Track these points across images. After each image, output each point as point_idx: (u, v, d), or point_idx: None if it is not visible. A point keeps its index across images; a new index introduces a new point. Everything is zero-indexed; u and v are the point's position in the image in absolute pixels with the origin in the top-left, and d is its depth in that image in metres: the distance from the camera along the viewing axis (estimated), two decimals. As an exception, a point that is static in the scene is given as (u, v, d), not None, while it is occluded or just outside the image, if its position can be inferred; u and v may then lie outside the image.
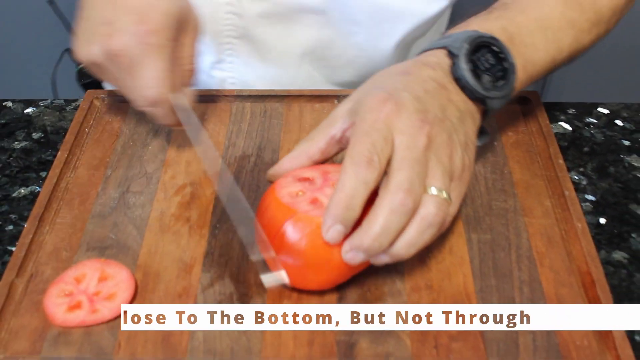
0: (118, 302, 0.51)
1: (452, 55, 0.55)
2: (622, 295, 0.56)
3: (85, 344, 0.49)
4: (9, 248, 0.60)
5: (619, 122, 0.72)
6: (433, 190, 0.47)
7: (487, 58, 0.55)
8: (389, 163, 0.47)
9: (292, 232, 0.48)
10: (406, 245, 0.47)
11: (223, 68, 0.79)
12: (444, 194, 0.48)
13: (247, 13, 0.75)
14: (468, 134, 0.52)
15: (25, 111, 0.74)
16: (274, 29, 0.76)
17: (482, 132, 0.58)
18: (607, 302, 0.51)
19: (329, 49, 0.78)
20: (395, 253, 0.47)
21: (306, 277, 0.50)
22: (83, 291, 0.52)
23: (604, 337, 0.49)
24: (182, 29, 0.58)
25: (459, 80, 0.54)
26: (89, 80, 1.24)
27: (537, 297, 0.52)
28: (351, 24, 0.75)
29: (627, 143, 0.70)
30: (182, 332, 0.50)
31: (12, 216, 0.63)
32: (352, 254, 0.47)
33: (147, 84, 0.56)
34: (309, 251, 0.48)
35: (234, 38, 0.77)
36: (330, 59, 0.79)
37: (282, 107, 0.70)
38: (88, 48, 0.57)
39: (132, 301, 0.52)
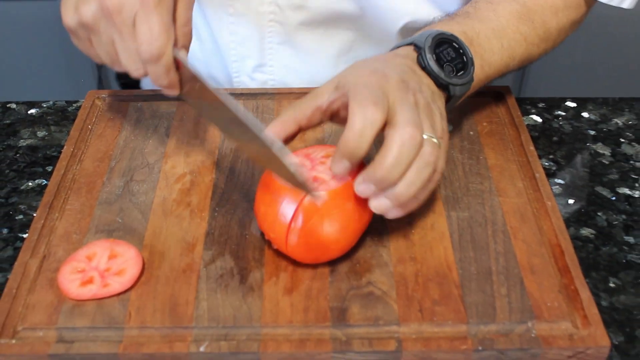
0: (127, 276, 0.55)
1: (418, 48, 0.61)
2: (590, 266, 0.61)
3: (98, 314, 0.53)
4: (20, 235, 0.64)
5: (585, 114, 0.78)
6: (425, 135, 0.53)
7: (448, 52, 0.61)
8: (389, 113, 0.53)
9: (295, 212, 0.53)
10: (407, 184, 0.52)
11: (264, 71, 0.85)
12: (435, 140, 0.53)
13: (289, 21, 0.80)
14: (440, 108, 0.58)
15: (29, 112, 0.79)
16: (313, 34, 0.82)
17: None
18: (575, 269, 0.56)
19: (362, 48, 0.84)
20: (398, 192, 0.52)
21: (308, 252, 0.55)
22: (94, 268, 0.56)
23: (573, 299, 0.54)
24: None
25: (424, 69, 0.60)
26: (126, 80, 1.25)
27: (512, 266, 0.57)
28: (383, 27, 0.81)
29: (592, 133, 0.75)
30: (187, 302, 0.54)
31: (22, 206, 0.67)
32: (364, 186, 0.52)
33: (149, 37, 0.55)
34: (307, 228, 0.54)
35: (276, 44, 0.83)
36: (364, 54, 0.84)
37: (273, 104, 0.74)
38: (80, 9, 0.57)
39: (140, 276, 0.56)
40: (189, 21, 0.59)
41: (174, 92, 0.60)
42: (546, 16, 0.69)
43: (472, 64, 0.62)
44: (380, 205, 0.53)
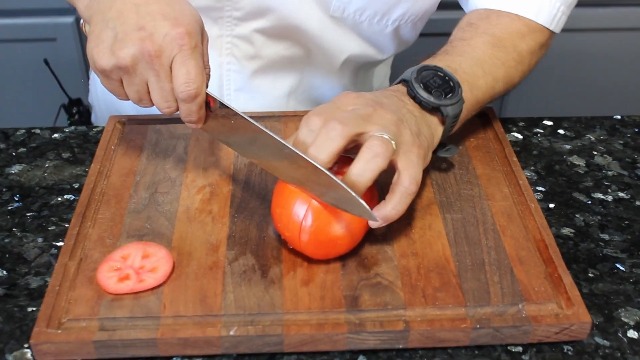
0: (160, 273, 0.61)
1: (405, 82, 0.69)
2: (570, 260, 0.68)
3: (136, 306, 0.59)
4: (54, 243, 0.70)
5: (561, 131, 0.86)
6: (378, 134, 0.60)
7: (435, 80, 0.69)
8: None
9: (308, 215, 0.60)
10: (357, 172, 0.59)
11: None
12: (386, 136, 0.60)
13: (245, 70, 0.89)
14: (421, 129, 0.65)
15: (52, 136, 0.85)
16: (266, 79, 0.91)
17: (449, 148, 0.72)
18: (558, 260, 0.64)
19: (310, 83, 0.93)
20: (353, 179, 0.59)
21: (319, 249, 0.62)
22: (130, 266, 0.62)
23: (557, 284, 0.62)
24: (202, 35, 0.65)
25: (414, 98, 0.68)
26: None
27: (502, 258, 0.64)
28: (328, 63, 0.89)
29: (568, 147, 0.84)
30: (215, 294, 0.60)
31: (53, 219, 0.73)
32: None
33: (187, 79, 0.61)
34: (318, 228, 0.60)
35: (234, 90, 0.91)
36: (311, 93, 0.93)
37: (280, 125, 0.82)
38: (118, 52, 0.61)
39: (171, 273, 0.62)
40: (208, 63, 0.66)
41: (198, 126, 0.66)
42: (515, 41, 0.78)
43: (459, 86, 0.69)
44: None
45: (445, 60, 0.74)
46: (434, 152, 0.70)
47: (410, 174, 0.60)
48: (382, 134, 0.60)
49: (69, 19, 1.62)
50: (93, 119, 1.11)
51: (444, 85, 0.69)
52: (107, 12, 0.63)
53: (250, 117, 0.64)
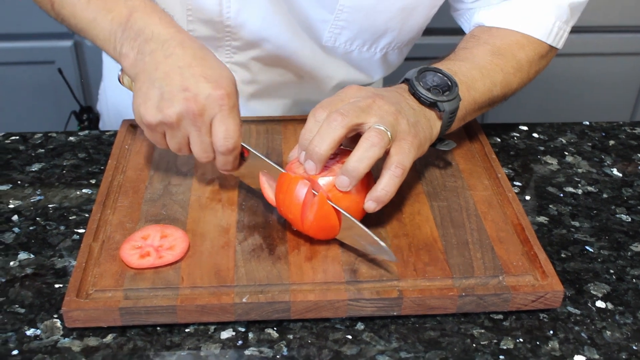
0: (178, 250, 0.68)
1: (406, 80, 0.77)
2: (545, 243, 0.76)
3: (157, 279, 0.66)
4: (75, 230, 0.76)
5: (535, 135, 0.95)
6: (373, 125, 0.67)
7: (434, 79, 0.77)
8: None
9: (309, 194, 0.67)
10: (356, 160, 0.66)
11: None
12: (382, 127, 0.67)
13: (242, 93, 0.94)
14: (419, 120, 0.72)
15: (68, 139, 0.92)
16: (262, 102, 0.99)
17: (447, 142, 0.79)
18: (533, 240, 0.71)
19: (302, 106, 1.01)
20: (350, 167, 0.66)
21: (320, 229, 0.69)
22: (150, 245, 0.69)
23: (533, 260, 0.69)
24: (237, 94, 0.72)
25: (414, 94, 0.76)
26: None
27: (484, 237, 0.72)
28: (319, 88, 0.98)
29: (542, 148, 0.92)
30: (228, 268, 0.67)
31: (74, 209, 0.79)
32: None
33: (226, 135, 0.69)
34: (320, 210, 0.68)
35: None
36: (305, 111, 1.01)
37: (280, 127, 0.90)
38: (165, 110, 0.68)
39: (187, 251, 0.69)
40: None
41: (232, 173, 0.74)
42: (514, 50, 0.86)
43: (456, 85, 0.77)
44: (340, 182, 0.67)
45: (446, 64, 0.81)
46: (433, 145, 0.77)
47: (398, 159, 0.68)
48: (379, 125, 0.68)
49: (68, 43, 1.69)
50: (101, 125, 1.18)
51: (442, 84, 0.76)
52: (154, 73, 0.69)
53: (263, 155, 0.73)
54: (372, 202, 0.68)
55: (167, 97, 0.68)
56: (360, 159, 0.67)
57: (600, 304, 0.69)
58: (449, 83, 0.77)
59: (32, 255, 0.72)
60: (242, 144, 0.72)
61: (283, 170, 0.71)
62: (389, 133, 0.68)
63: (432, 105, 0.75)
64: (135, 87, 0.71)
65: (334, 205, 0.68)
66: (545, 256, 0.69)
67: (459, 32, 0.98)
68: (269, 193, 0.73)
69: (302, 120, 0.90)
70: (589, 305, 0.68)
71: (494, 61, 0.84)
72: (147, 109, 0.69)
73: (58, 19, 0.78)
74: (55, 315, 0.66)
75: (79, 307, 0.63)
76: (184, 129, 0.70)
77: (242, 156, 0.74)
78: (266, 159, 0.73)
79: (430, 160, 0.83)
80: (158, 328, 0.65)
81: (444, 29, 1.03)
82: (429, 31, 0.96)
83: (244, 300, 0.63)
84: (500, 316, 0.67)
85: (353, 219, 0.67)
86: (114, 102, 1.10)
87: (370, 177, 0.71)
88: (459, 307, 0.66)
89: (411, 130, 0.70)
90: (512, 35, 0.87)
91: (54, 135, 0.93)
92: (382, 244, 0.66)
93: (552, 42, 0.88)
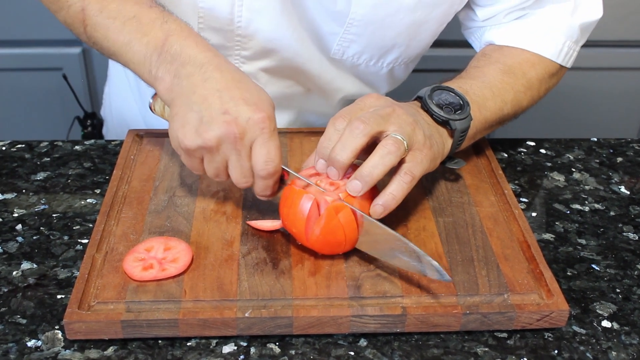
0: (181, 263, 0.68)
1: (418, 98, 0.77)
2: (551, 260, 0.75)
3: (159, 292, 0.65)
4: (79, 240, 0.76)
5: (542, 151, 0.94)
6: (391, 133, 0.68)
7: (446, 98, 0.77)
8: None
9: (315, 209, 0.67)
10: (371, 165, 0.66)
11: None
12: (400, 137, 0.67)
13: None
14: (433, 134, 0.73)
15: (74, 148, 0.92)
16: None
17: (457, 161, 0.80)
18: (539, 258, 0.70)
19: (307, 118, 1.01)
20: (364, 172, 0.66)
21: (325, 244, 0.68)
22: (153, 257, 0.68)
23: (538, 278, 0.68)
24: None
25: (427, 112, 0.76)
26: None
27: (489, 255, 0.71)
28: (325, 101, 0.98)
29: (549, 164, 0.91)
30: (231, 282, 0.66)
31: (78, 219, 0.79)
32: (321, 165, 0.70)
33: (267, 159, 0.67)
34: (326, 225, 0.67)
35: None
36: (310, 123, 1.01)
37: (286, 139, 0.89)
38: (204, 134, 0.67)
39: (191, 264, 0.68)
40: None
41: (271, 198, 0.73)
42: (525, 69, 0.86)
43: (468, 104, 0.77)
44: (353, 186, 0.67)
45: (458, 82, 0.82)
46: (443, 163, 0.78)
47: (409, 166, 0.69)
48: (397, 134, 0.68)
49: (76, 50, 1.70)
50: (104, 131, 1.18)
51: (454, 103, 0.77)
52: (191, 96, 0.68)
53: None
54: (379, 206, 0.68)
55: (206, 121, 0.67)
56: (376, 165, 0.67)
57: (606, 323, 0.68)
58: (461, 102, 0.77)
59: (35, 265, 0.72)
60: (283, 166, 0.71)
61: (323, 190, 0.70)
62: (405, 142, 0.68)
63: (444, 123, 0.76)
64: (172, 112, 0.70)
65: (352, 208, 0.67)
66: (551, 274, 0.68)
67: (464, 44, 0.98)
68: None
69: (308, 132, 0.91)
70: (595, 324, 0.68)
71: (505, 80, 0.84)
72: (186, 133, 0.68)
73: (90, 43, 0.76)
74: (56, 327, 0.65)
75: (80, 319, 0.63)
76: (223, 153, 0.68)
77: (282, 180, 0.72)
78: (307, 180, 0.70)
79: (437, 175, 0.83)
80: (160, 341, 0.64)
81: (449, 41, 1.03)
82: (434, 43, 0.96)
83: (246, 315, 0.63)
84: (505, 334, 0.66)
85: (375, 220, 0.67)
86: (118, 106, 1.10)
87: (376, 191, 0.71)
88: (463, 324, 0.65)
89: (427, 142, 0.71)
90: (522, 54, 0.87)
91: (60, 144, 0.93)
92: (434, 263, 0.64)
93: (562, 62, 0.88)
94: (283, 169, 0.71)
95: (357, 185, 0.67)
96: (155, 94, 0.77)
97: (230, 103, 0.67)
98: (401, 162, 0.69)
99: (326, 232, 0.67)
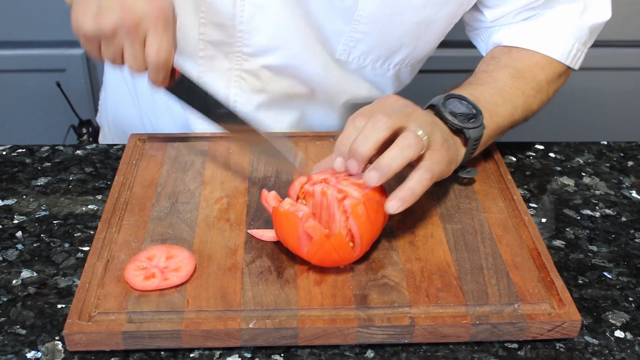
0: (184, 272, 0.66)
1: (431, 106, 0.76)
2: (562, 268, 0.73)
3: (161, 302, 0.64)
4: (80, 248, 0.74)
5: (551, 154, 0.92)
6: (411, 129, 0.67)
7: (459, 107, 0.76)
8: None
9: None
10: (390, 157, 0.65)
11: None
12: (419, 132, 0.66)
13: (250, 102, 0.95)
14: (449, 139, 0.72)
15: (75, 152, 0.91)
16: (269, 112, 0.97)
17: (470, 170, 0.79)
18: (550, 266, 0.69)
19: (310, 120, 0.99)
20: (383, 163, 0.65)
21: (322, 263, 0.67)
22: (155, 266, 0.67)
23: (549, 287, 0.67)
24: (173, 15, 0.73)
25: (441, 119, 0.75)
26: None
27: (499, 263, 0.69)
28: (329, 103, 0.96)
29: (558, 169, 0.90)
30: (235, 291, 0.65)
31: (79, 226, 0.78)
32: (339, 162, 0.69)
33: (159, 48, 0.70)
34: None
35: None
36: (310, 129, 0.99)
37: (290, 143, 0.88)
38: (101, 19, 0.69)
39: (194, 273, 0.67)
40: (175, 41, 0.74)
41: (161, 87, 0.75)
42: (535, 72, 0.85)
43: (481, 113, 0.76)
44: (370, 177, 0.66)
45: (469, 89, 0.81)
46: (456, 171, 0.77)
47: (429, 164, 0.68)
48: (417, 130, 0.67)
49: (79, 51, 1.69)
50: (101, 138, 1.17)
51: (467, 112, 0.76)
52: None
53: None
54: (396, 201, 0.66)
55: (104, 9, 0.69)
56: (395, 156, 0.66)
57: (619, 333, 0.66)
58: (474, 111, 0.76)
59: (35, 274, 0.71)
60: (175, 65, 0.74)
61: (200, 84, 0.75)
62: (425, 138, 0.67)
63: (458, 131, 0.75)
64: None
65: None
66: (562, 283, 0.67)
67: (468, 44, 0.96)
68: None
69: (314, 137, 0.89)
70: (607, 334, 0.66)
71: (515, 84, 0.83)
72: (85, 19, 0.70)
73: None
74: (57, 337, 0.64)
75: (81, 331, 0.61)
76: (119, 40, 0.71)
77: (172, 75, 0.75)
78: (197, 83, 0.75)
79: (445, 180, 0.81)
80: (162, 352, 0.63)
81: (453, 42, 1.01)
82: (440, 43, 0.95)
83: (250, 325, 0.61)
84: (515, 345, 0.64)
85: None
86: (115, 112, 1.08)
87: (382, 190, 0.70)
88: (473, 335, 0.63)
89: (444, 143, 0.70)
90: (532, 56, 0.85)
91: (61, 148, 0.91)
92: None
93: (570, 63, 0.87)
94: (174, 67, 0.74)
95: (374, 176, 0.66)
96: None
97: None
98: (420, 159, 0.68)
99: (320, 255, 0.66)
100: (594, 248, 0.76)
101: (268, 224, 0.74)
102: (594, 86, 1.71)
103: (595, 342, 0.65)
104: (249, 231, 0.72)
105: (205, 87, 0.77)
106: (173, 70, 0.75)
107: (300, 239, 0.65)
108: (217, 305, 0.64)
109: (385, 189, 0.70)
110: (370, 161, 0.67)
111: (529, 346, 0.64)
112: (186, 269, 0.67)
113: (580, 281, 0.72)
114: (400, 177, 0.68)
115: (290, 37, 0.87)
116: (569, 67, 0.88)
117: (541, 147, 0.94)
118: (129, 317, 0.63)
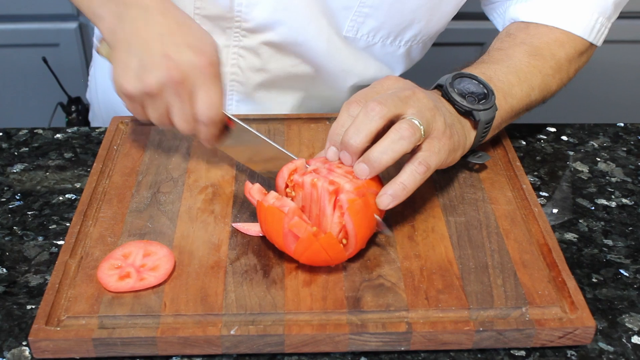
0: (162, 271, 0.61)
1: (440, 87, 0.70)
2: (574, 265, 0.68)
3: (136, 305, 0.59)
4: (55, 242, 0.69)
5: (564, 138, 0.86)
6: (407, 117, 0.61)
7: (468, 87, 0.70)
8: None
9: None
10: (380, 150, 0.60)
11: None
12: (417, 121, 0.61)
13: (249, 82, 0.88)
14: (455, 124, 0.66)
15: (55, 136, 0.85)
16: (270, 93, 0.91)
17: (481, 155, 0.73)
18: (561, 264, 0.63)
19: (313, 103, 0.93)
20: (372, 157, 0.60)
21: (310, 262, 0.61)
22: (131, 264, 0.62)
23: (561, 288, 0.61)
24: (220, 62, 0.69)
25: (448, 101, 0.69)
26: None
27: (505, 261, 0.64)
28: (334, 85, 0.90)
29: (571, 153, 0.83)
30: (216, 293, 0.60)
31: (54, 217, 0.72)
32: (331, 154, 0.64)
33: (210, 104, 0.65)
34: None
35: (236, 102, 0.91)
36: (317, 110, 0.93)
37: (283, 127, 0.82)
38: (145, 78, 0.65)
39: (172, 272, 0.62)
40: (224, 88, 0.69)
41: (216, 146, 0.71)
42: (554, 49, 0.78)
43: (493, 93, 0.70)
44: (360, 170, 0.61)
45: (480, 68, 0.74)
46: (466, 157, 0.71)
47: (424, 155, 0.62)
48: (414, 118, 0.61)
49: (72, 25, 1.62)
50: (91, 116, 1.11)
51: (478, 92, 0.70)
52: (133, 40, 0.66)
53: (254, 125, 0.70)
54: (387, 197, 0.61)
55: (147, 66, 0.65)
56: (385, 150, 0.60)
57: (636, 339, 0.61)
58: (485, 91, 0.70)
59: (4, 270, 0.66)
60: (227, 114, 0.69)
61: (274, 144, 0.69)
62: (422, 128, 0.61)
63: (466, 113, 0.69)
64: (114, 56, 0.68)
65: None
66: (575, 284, 0.61)
67: (481, 16, 0.89)
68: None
69: (307, 119, 0.83)
70: (624, 340, 0.60)
71: (532, 63, 0.76)
72: (127, 78, 0.66)
73: None
74: (24, 343, 0.59)
75: (47, 337, 0.56)
76: (165, 98, 0.66)
77: (226, 127, 0.70)
78: (254, 131, 0.68)
79: (451, 166, 0.75)
80: (137, 360, 0.58)
81: (467, 14, 0.94)
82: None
83: (232, 332, 0.56)
84: (523, 353, 0.59)
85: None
86: (105, 88, 1.02)
87: (378, 180, 0.64)
88: (476, 342, 0.58)
89: (446, 130, 0.64)
90: (551, 32, 0.78)
91: (40, 132, 0.86)
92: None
93: (593, 40, 0.80)
94: (227, 117, 0.69)
95: (364, 168, 0.61)
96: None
97: (172, 47, 0.65)
98: (417, 149, 0.62)
99: (308, 255, 0.60)
100: (609, 242, 0.70)
101: (256, 216, 0.68)
102: (611, 60, 1.62)
103: (611, 349, 0.60)
104: (233, 225, 0.66)
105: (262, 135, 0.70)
106: (227, 124, 0.70)
107: (286, 236, 0.60)
108: (197, 308, 0.58)
109: (382, 179, 0.64)
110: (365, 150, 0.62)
111: (538, 354, 0.59)
112: (164, 268, 0.61)
113: (594, 280, 0.66)
114: (400, 163, 0.63)
115: (294, 11, 0.81)
116: (591, 44, 0.81)
117: (553, 129, 0.88)
118: (101, 321, 0.58)
